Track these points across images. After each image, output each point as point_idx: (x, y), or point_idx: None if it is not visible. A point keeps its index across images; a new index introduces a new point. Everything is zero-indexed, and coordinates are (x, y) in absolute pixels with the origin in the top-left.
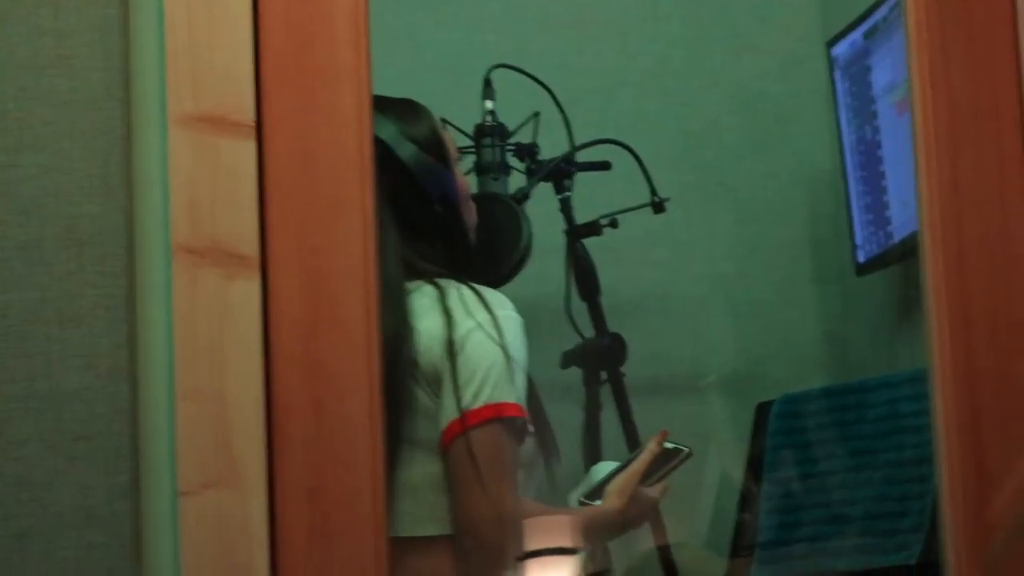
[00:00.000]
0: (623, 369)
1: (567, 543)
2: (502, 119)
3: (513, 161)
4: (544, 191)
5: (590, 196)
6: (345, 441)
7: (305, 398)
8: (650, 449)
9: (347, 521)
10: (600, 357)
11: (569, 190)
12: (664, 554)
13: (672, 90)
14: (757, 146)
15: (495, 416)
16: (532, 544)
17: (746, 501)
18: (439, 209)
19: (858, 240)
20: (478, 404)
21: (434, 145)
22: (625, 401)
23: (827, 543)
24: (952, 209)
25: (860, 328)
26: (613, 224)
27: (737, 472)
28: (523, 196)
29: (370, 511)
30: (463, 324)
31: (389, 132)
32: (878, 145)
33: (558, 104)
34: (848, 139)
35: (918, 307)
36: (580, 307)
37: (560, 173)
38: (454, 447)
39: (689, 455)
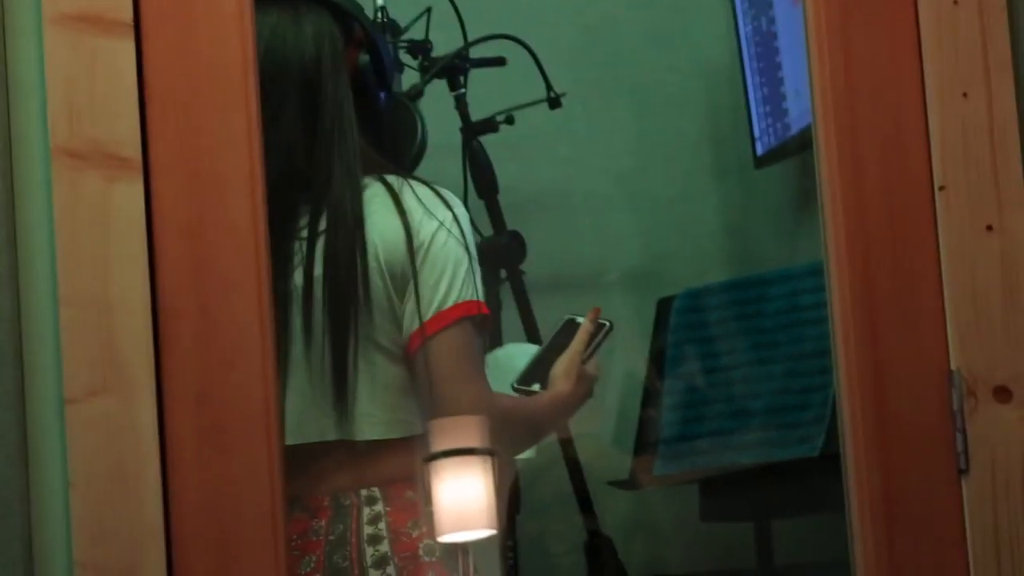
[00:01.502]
0: (523, 267)
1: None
2: (393, 16)
3: (406, 59)
4: (439, 88)
5: (486, 93)
6: (233, 344)
7: (191, 302)
8: (586, 327)
9: (238, 424)
10: (499, 255)
11: (464, 87)
12: (567, 449)
13: None
14: (655, 40)
15: (465, 314)
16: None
17: (649, 397)
18: (388, 96)
19: (756, 132)
20: (449, 304)
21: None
22: (525, 299)
23: (730, 437)
24: (845, 98)
25: (760, 221)
26: (509, 120)
27: (640, 369)
28: (416, 93)
29: (261, 412)
30: (426, 224)
31: (353, 5)
32: (774, 36)
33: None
34: (744, 30)
35: (816, 199)
36: (478, 205)
37: (454, 70)
38: (427, 348)
39: (611, 328)
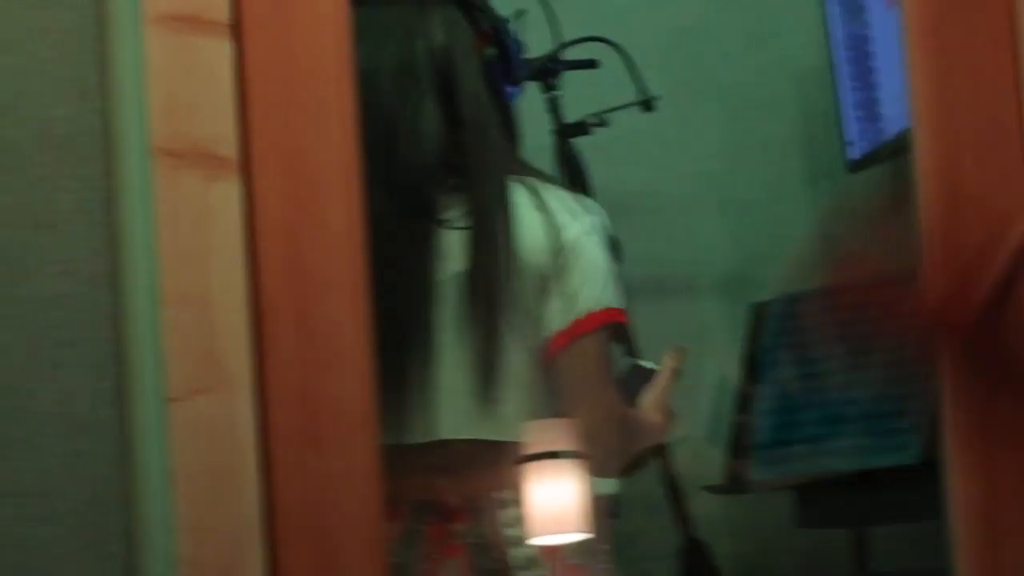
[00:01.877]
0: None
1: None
2: None
3: None
4: (532, 90)
5: (578, 95)
6: (332, 343)
7: (290, 301)
8: (671, 367)
9: (336, 423)
10: None
11: (557, 89)
12: (663, 454)
13: None
14: (746, 43)
15: (608, 320)
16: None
17: (743, 401)
18: (517, 90)
19: (850, 137)
20: (594, 310)
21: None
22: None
23: (825, 444)
24: (942, 102)
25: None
26: (602, 123)
27: (733, 373)
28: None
29: (359, 411)
30: (571, 227)
31: (482, 2)
32: (868, 39)
33: (543, 1)
34: (838, 34)
35: (910, 203)
36: None
37: (547, 72)
38: (569, 352)
39: (680, 360)
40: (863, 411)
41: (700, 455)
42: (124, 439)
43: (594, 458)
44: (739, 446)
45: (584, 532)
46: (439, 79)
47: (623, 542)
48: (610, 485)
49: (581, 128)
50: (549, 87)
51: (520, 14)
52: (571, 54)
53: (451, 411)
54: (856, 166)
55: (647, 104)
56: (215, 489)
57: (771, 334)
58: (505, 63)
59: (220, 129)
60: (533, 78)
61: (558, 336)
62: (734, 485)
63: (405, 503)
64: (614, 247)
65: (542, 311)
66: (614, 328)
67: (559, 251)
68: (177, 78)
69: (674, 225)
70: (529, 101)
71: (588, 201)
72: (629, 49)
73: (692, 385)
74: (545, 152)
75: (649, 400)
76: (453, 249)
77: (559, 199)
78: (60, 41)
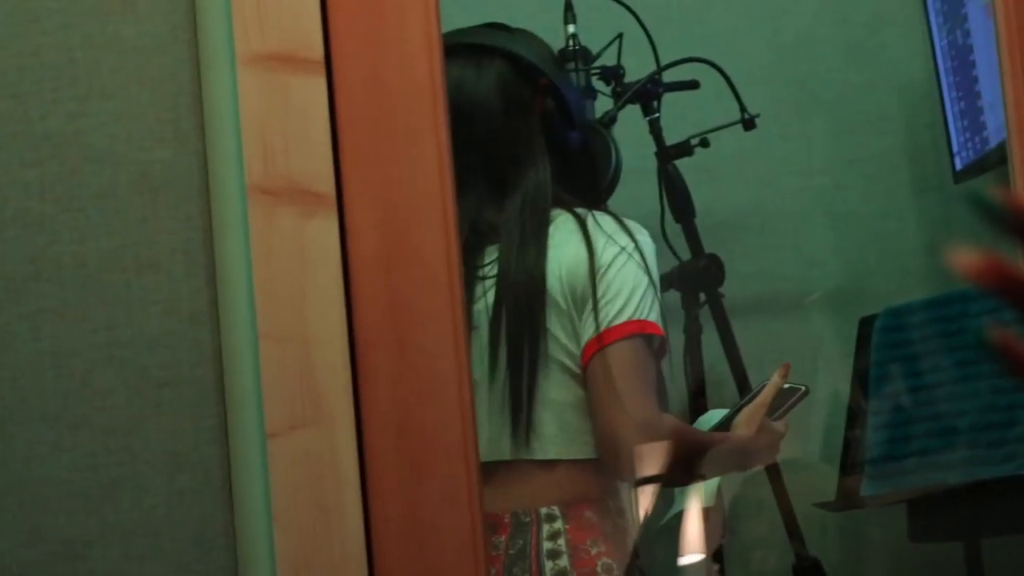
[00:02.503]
0: (721, 289)
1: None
2: (585, 43)
3: (599, 85)
4: (633, 114)
5: (680, 116)
6: (430, 374)
7: (388, 334)
8: (774, 382)
9: (437, 454)
10: (697, 279)
11: (657, 111)
12: (773, 472)
13: (761, 4)
14: (850, 57)
15: (638, 331)
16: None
17: (854, 417)
18: (578, 135)
19: (954, 147)
20: (621, 320)
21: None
22: (725, 322)
23: (937, 456)
24: None
25: (960, 237)
26: (704, 143)
27: (844, 389)
28: (610, 120)
29: (459, 441)
30: (608, 249)
31: (535, 54)
32: (970, 49)
33: (641, 24)
34: (940, 44)
35: None
36: (675, 229)
37: (647, 94)
38: (594, 362)
39: (806, 393)
40: (973, 422)
41: (812, 472)
42: (227, 476)
43: (615, 465)
44: (850, 462)
45: (701, 553)
46: (489, 140)
47: (735, 561)
48: (711, 498)
49: (684, 149)
50: (650, 110)
51: (618, 37)
52: (673, 76)
53: (493, 435)
54: (960, 176)
55: (749, 123)
56: (317, 523)
57: (880, 347)
58: (564, 112)
59: (315, 165)
60: (633, 101)
61: (588, 345)
62: (846, 501)
63: None
64: (714, 271)
65: (581, 326)
66: (651, 342)
67: (594, 270)
68: (271, 116)
69: (783, 242)
70: (631, 124)
71: (635, 225)
72: (731, 68)
73: (807, 403)
74: (649, 175)
75: (742, 415)
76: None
77: (602, 224)
78: (156, 85)
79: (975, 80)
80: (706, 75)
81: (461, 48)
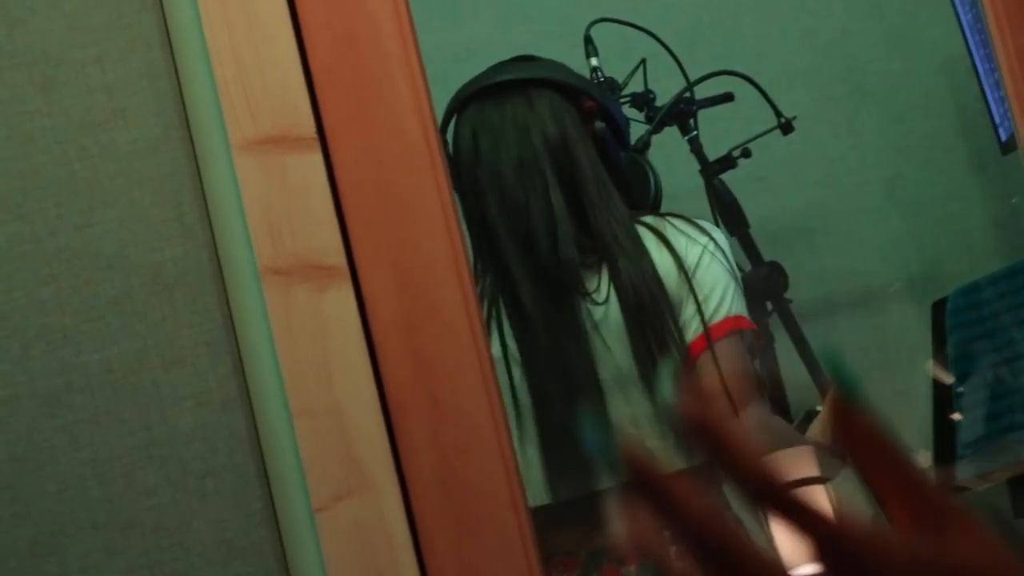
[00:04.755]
0: (787, 296)
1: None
2: (613, 72)
3: (631, 112)
4: (672, 135)
5: (726, 129)
6: (466, 426)
7: (419, 393)
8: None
9: (485, 505)
10: (761, 288)
11: (695, 129)
12: None
13: (790, 7)
14: (889, 46)
15: (736, 328)
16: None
17: (940, 403)
18: (628, 153)
19: (996, 118)
20: (720, 317)
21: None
22: (796, 327)
23: None
24: None
25: None
26: (746, 154)
27: (928, 377)
28: (644, 146)
29: (505, 488)
30: (692, 249)
31: (576, 78)
32: None
33: (664, 45)
34: (965, 20)
35: None
36: (731, 242)
37: (682, 114)
38: (701, 361)
39: None
40: None
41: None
42: (280, 556)
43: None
44: (943, 448)
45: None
46: (559, 167)
47: None
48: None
49: (728, 163)
50: (687, 129)
51: (642, 63)
52: (708, 91)
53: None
54: (1006, 148)
55: (786, 126)
56: None
57: (954, 330)
58: (615, 132)
59: (323, 239)
60: (669, 123)
61: (693, 345)
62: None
63: (579, 554)
64: (779, 272)
65: (681, 331)
66: (746, 335)
67: (684, 274)
68: (273, 198)
69: (848, 239)
70: (674, 146)
71: (706, 223)
72: (771, 73)
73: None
74: (699, 193)
75: (816, 426)
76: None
77: (677, 228)
78: (156, 186)
79: None
80: (742, 85)
81: (505, 85)
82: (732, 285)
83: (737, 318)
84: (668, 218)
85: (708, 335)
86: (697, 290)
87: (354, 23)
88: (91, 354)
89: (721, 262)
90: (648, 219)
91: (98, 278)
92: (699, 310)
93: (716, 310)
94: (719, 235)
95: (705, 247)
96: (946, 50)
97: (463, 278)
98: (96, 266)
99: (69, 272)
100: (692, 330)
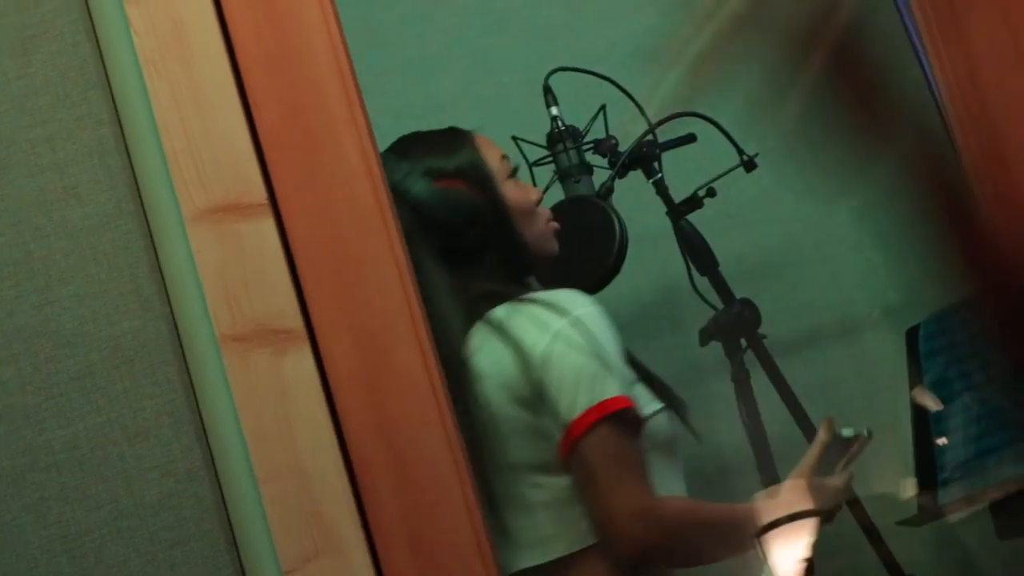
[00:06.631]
0: (761, 331)
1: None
2: (575, 121)
3: (595, 159)
4: (638, 179)
5: (696, 169)
6: (432, 484)
7: (382, 451)
8: (820, 440)
9: (453, 560)
10: (734, 326)
11: (660, 172)
12: (855, 508)
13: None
14: None
15: (599, 417)
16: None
17: (918, 429)
18: (476, 231)
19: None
20: (578, 412)
21: (467, 170)
22: (770, 362)
23: (1005, 451)
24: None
25: None
26: (710, 193)
27: (907, 405)
28: (607, 191)
29: (472, 542)
30: (540, 341)
31: (400, 172)
32: None
33: (622, 90)
34: (920, 45)
35: None
36: (702, 281)
37: (645, 158)
38: (571, 460)
39: (868, 438)
40: None
41: (888, 495)
42: None
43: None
44: (923, 474)
45: None
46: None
47: None
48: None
49: (694, 203)
50: (651, 172)
51: (601, 109)
52: (669, 133)
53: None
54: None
55: (749, 164)
56: None
57: (928, 356)
58: (429, 227)
59: (280, 304)
60: (632, 167)
61: (562, 440)
62: (927, 514)
63: None
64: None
65: (541, 429)
66: (616, 418)
67: (531, 370)
68: (228, 266)
69: (820, 272)
70: (640, 190)
71: (569, 297)
72: (732, 110)
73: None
74: (667, 234)
75: (788, 480)
76: None
77: (526, 317)
78: (112, 260)
79: None
80: (705, 125)
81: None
82: (591, 368)
83: (600, 406)
84: (524, 304)
85: (569, 433)
86: (551, 385)
87: (299, 88)
88: (55, 431)
89: (578, 344)
90: (499, 312)
91: (58, 355)
92: (554, 411)
93: (572, 405)
94: (583, 310)
95: (558, 333)
96: (906, 75)
97: (420, 335)
98: (56, 344)
99: (29, 351)
100: (558, 426)
